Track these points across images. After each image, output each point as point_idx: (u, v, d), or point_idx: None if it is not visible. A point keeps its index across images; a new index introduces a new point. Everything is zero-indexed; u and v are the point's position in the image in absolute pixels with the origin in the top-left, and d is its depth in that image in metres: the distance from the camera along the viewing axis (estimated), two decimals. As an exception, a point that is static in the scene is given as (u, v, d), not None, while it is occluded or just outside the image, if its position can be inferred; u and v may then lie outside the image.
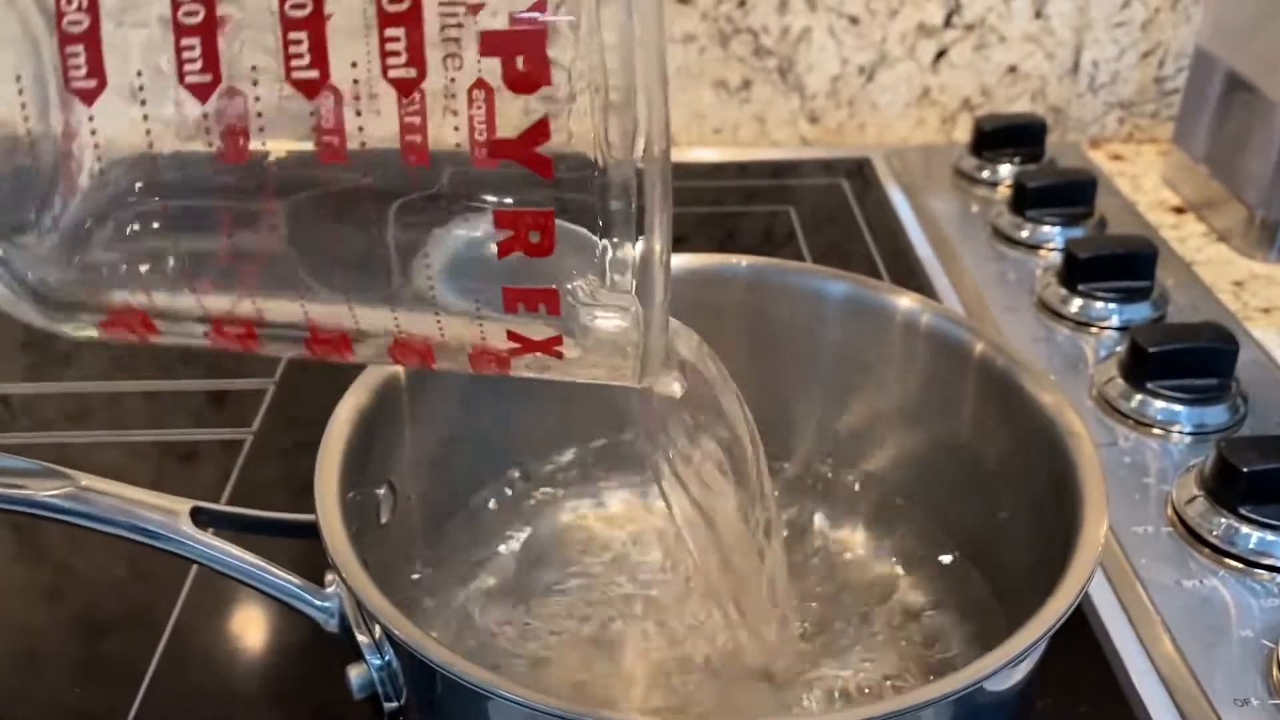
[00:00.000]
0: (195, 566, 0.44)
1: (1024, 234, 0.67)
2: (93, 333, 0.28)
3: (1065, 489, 0.34)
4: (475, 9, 0.24)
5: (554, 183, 0.24)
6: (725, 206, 0.77)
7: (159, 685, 0.40)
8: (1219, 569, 0.44)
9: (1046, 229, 0.66)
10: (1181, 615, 0.42)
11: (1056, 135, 0.83)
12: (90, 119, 0.24)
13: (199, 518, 0.34)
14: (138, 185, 0.25)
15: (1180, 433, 0.51)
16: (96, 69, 0.24)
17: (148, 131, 0.25)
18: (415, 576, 0.41)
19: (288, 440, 0.53)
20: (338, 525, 0.32)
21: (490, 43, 0.23)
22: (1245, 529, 0.44)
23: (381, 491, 0.38)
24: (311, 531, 0.34)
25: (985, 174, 0.74)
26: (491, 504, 0.43)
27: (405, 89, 0.24)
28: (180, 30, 0.24)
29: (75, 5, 0.24)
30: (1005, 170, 0.74)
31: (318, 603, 0.33)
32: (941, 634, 0.39)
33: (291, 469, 0.52)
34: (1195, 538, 0.45)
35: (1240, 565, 0.44)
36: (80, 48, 0.24)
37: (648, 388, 0.30)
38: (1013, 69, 0.82)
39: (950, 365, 0.39)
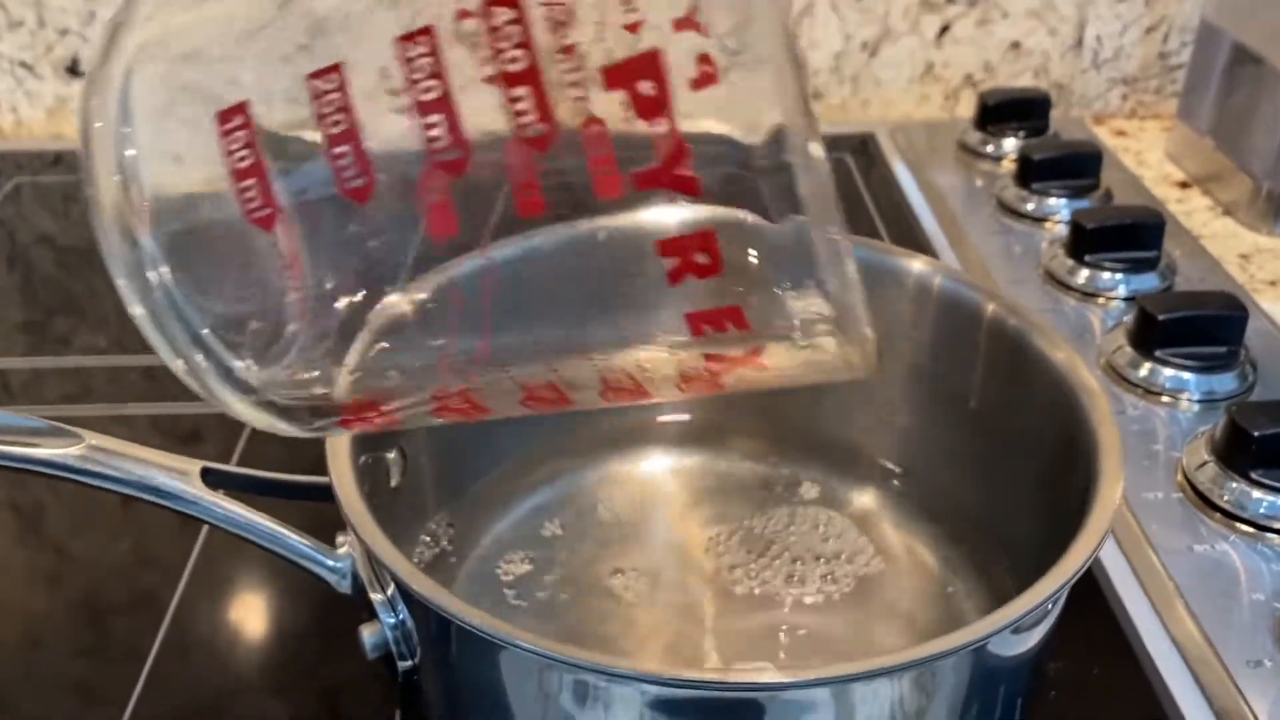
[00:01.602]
0: (197, 547, 0.44)
1: (1029, 207, 0.67)
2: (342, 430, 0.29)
3: (1079, 447, 0.34)
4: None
5: (703, 196, 0.24)
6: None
7: (162, 667, 0.40)
8: (1230, 534, 0.44)
9: (1052, 201, 0.66)
10: (1193, 579, 0.42)
11: (1060, 111, 0.83)
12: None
13: (209, 478, 0.33)
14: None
15: (1189, 400, 0.51)
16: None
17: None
18: (426, 539, 0.40)
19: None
20: (351, 483, 0.31)
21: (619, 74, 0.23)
22: (1256, 493, 0.44)
23: (392, 455, 0.38)
24: (323, 494, 0.34)
25: (989, 148, 0.74)
26: (505, 467, 0.43)
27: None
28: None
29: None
30: (1009, 144, 0.73)
31: (330, 563, 0.33)
32: (950, 595, 0.39)
33: (298, 444, 0.51)
34: (1206, 503, 0.45)
35: (1251, 529, 0.44)
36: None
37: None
38: (1016, 45, 0.82)
39: (961, 326, 0.39)
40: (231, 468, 0.35)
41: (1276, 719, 0.37)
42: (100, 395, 0.55)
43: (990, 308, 0.38)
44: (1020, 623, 0.28)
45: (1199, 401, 0.51)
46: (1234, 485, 0.45)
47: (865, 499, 0.43)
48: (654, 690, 0.28)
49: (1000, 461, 0.39)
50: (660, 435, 0.46)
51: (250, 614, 0.43)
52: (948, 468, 0.42)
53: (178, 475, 0.33)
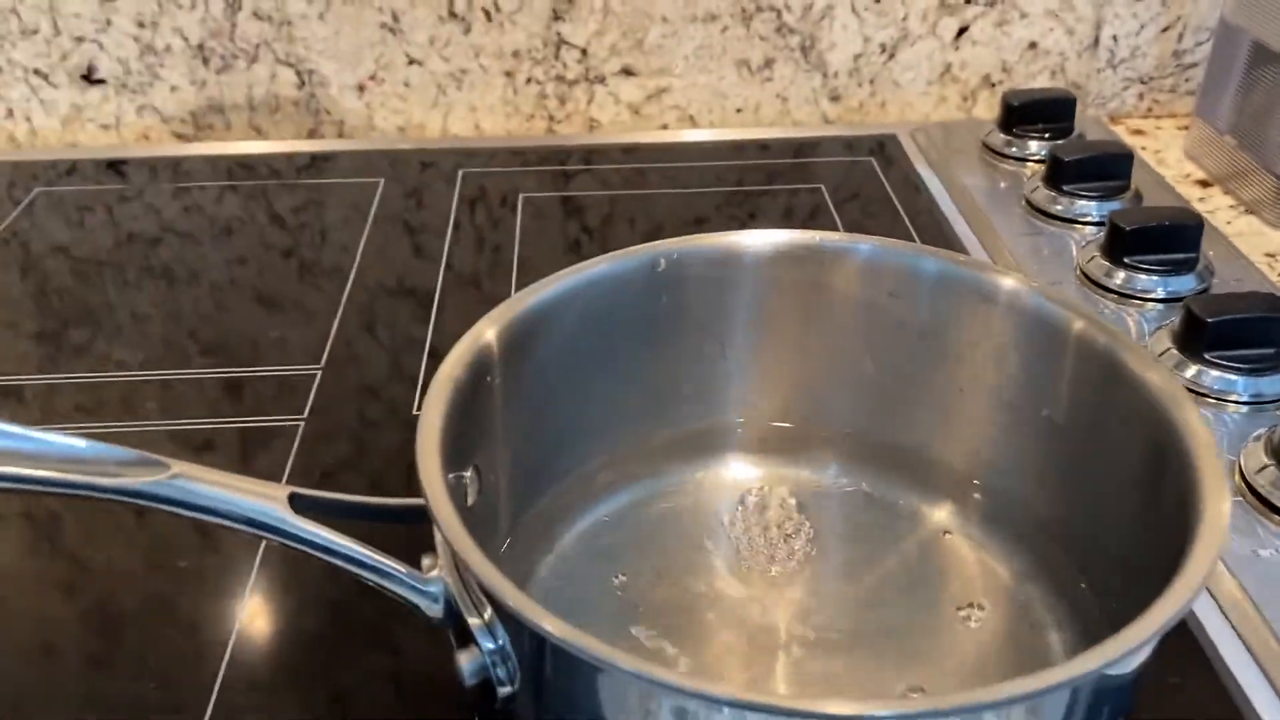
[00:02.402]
0: (253, 574, 0.44)
1: (1059, 208, 0.67)
2: None
3: (1169, 469, 0.34)
4: None
5: None
6: (747, 185, 0.76)
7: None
8: (1296, 537, 0.44)
9: (1083, 203, 0.66)
10: (1262, 584, 0.42)
11: (1078, 111, 0.83)
12: None
13: (296, 503, 0.33)
14: None
15: (1237, 402, 0.51)
16: None
17: None
18: (498, 556, 0.40)
19: (341, 427, 0.53)
20: (448, 505, 0.31)
21: None
22: (1318, 496, 0.44)
23: (469, 474, 0.37)
24: (410, 515, 0.34)
25: (1014, 150, 0.74)
26: (575, 486, 0.43)
27: None
28: None
29: None
30: (1034, 146, 0.74)
31: (422, 588, 0.33)
32: (1033, 616, 0.39)
33: (349, 457, 0.51)
34: (1268, 506, 0.45)
35: (1313, 532, 0.44)
36: None
37: None
38: (1033, 45, 0.82)
39: (1047, 343, 0.39)
40: (317, 492, 0.34)
41: (1358, 724, 0.37)
42: (114, 408, 0.54)
43: (1078, 324, 0.38)
44: (1141, 647, 0.27)
45: (1247, 403, 0.51)
46: (1297, 488, 0.45)
47: (942, 510, 0.43)
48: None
49: (1084, 479, 0.39)
50: (731, 446, 0.45)
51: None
52: (1029, 485, 0.41)
53: (267, 500, 0.32)
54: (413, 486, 0.48)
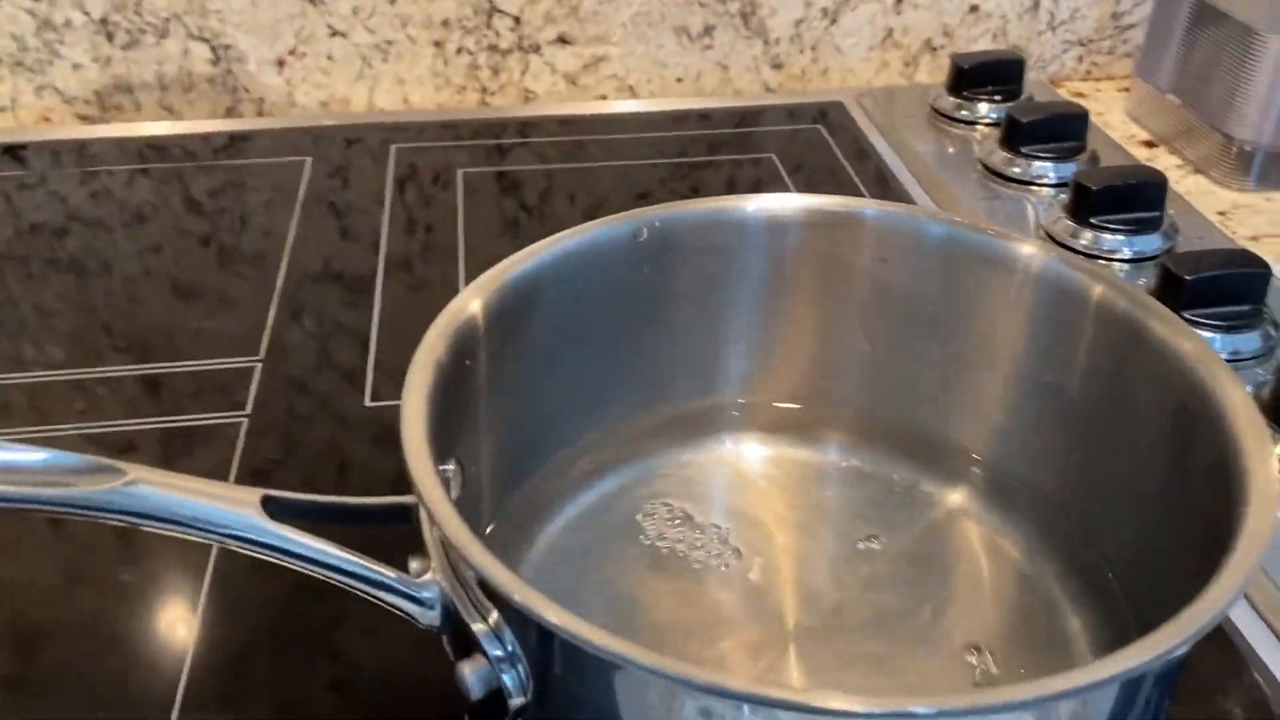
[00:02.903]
0: (207, 579, 0.40)
1: (1016, 170, 0.66)
2: None
3: (1200, 435, 0.32)
4: None
5: None
6: (690, 155, 0.74)
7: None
8: (1288, 493, 0.43)
9: (1040, 164, 0.65)
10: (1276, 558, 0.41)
11: (1019, 74, 0.82)
12: None
13: (270, 508, 0.29)
14: None
15: (1216, 360, 0.50)
16: None
17: None
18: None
19: (287, 422, 0.49)
20: (443, 499, 0.28)
21: None
22: (1309, 451, 0.44)
23: (451, 468, 0.34)
24: (395, 515, 0.31)
25: (964, 113, 0.73)
26: (561, 471, 0.40)
27: None
28: None
29: None
30: (984, 108, 0.72)
31: (414, 594, 0.30)
32: (1047, 595, 0.37)
33: (298, 454, 0.47)
34: (1262, 464, 0.44)
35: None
36: None
37: None
38: (974, 8, 0.81)
39: (1064, 310, 0.37)
40: (292, 494, 0.30)
41: (1379, 681, 0.36)
42: (23, 412, 0.49)
43: (1098, 289, 0.36)
44: (1216, 620, 0.26)
45: (1226, 360, 0.50)
46: (1286, 444, 0.44)
47: (954, 491, 0.41)
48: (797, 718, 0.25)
49: (1101, 453, 0.37)
50: (731, 424, 0.43)
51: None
52: (1041, 459, 0.39)
53: (240, 507, 0.29)
54: (374, 483, 0.46)
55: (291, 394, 0.50)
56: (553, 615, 0.26)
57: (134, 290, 0.59)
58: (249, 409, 0.49)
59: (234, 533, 0.29)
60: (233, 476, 0.45)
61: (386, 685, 0.37)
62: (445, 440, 0.34)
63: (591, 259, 0.38)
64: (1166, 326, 0.34)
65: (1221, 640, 0.39)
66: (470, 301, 0.34)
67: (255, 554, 0.29)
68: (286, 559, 0.29)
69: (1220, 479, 0.31)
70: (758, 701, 0.25)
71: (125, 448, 0.47)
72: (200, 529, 0.28)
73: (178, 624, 0.39)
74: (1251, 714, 0.36)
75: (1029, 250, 0.37)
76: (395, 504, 0.31)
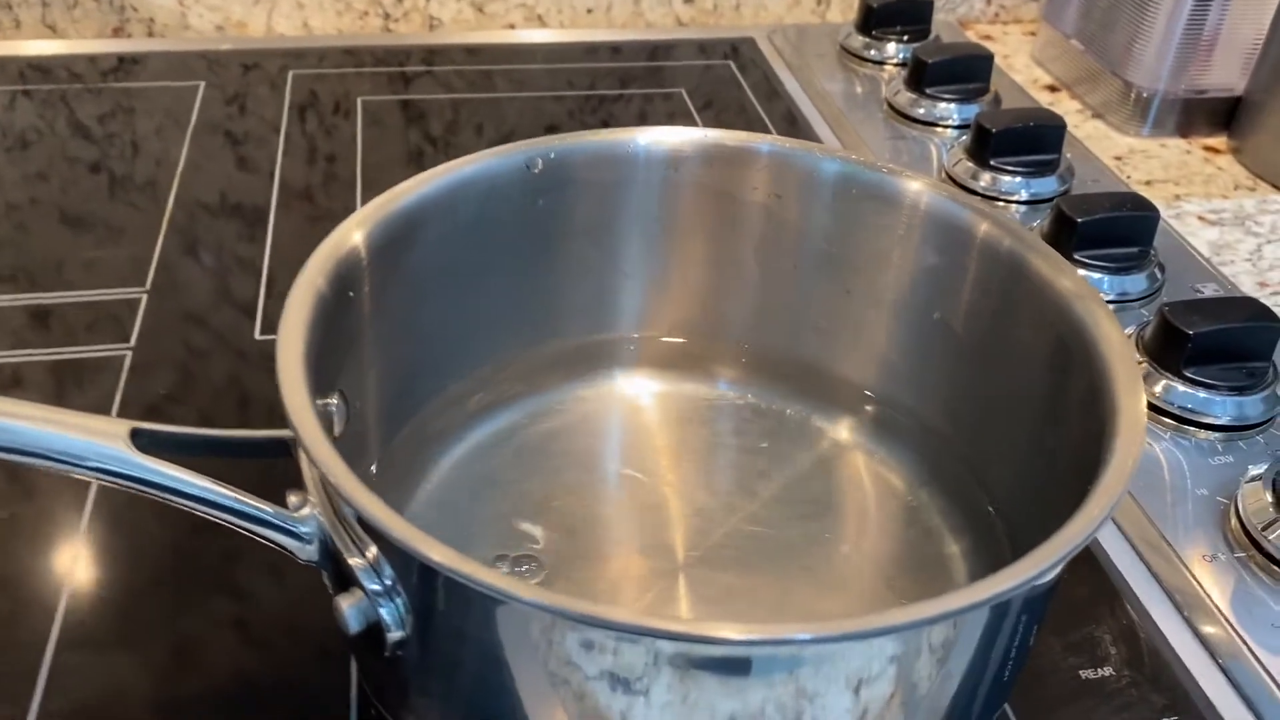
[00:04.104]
0: (86, 517, 0.39)
1: (921, 111, 0.66)
2: None
3: (1077, 371, 0.33)
4: None
5: None
6: (600, 89, 0.73)
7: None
8: (1164, 431, 0.45)
9: (944, 105, 0.66)
10: (1138, 476, 0.42)
11: (928, 15, 0.82)
12: None
13: (139, 440, 0.28)
14: None
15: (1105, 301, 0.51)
16: None
17: None
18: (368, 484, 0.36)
19: (173, 354, 0.47)
20: (317, 431, 0.27)
21: None
22: (1183, 388, 0.45)
23: (334, 401, 0.34)
24: (273, 448, 0.30)
25: (873, 52, 0.73)
26: (450, 407, 0.39)
27: None
28: None
29: None
30: (892, 48, 0.73)
31: (292, 528, 0.29)
32: (931, 526, 0.38)
33: (185, 387, 0.46)
34: (1141, 402, 0.45)
35: (1182, 425, 0.45)
36: None
37: None
38: (886, -54, 0.81)
39: (950, 248, 0.37)
40: (162, 427, 0.30)
41: (1238, 611, 0.38)
42: None
43: (983, 226, 0.36)
44: (1080, 547, 0.26)
45: (1113, 302, 0.52)
46: (1164, 382, 0.45)
47: (840, 423, 0.41)
48: (669, 647, 0.26)
49: (984, 387, 0.38)
50: (623, 359, 0.43)
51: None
52: (927, 394, 0.40)
53: (106, 439, 0.28)
54: (258, 417, 0.45)
55: (179, 326, 0.49)
56: (428, 550, 0.25)
57: (16, 218, 0.56)
58: (133, 341, 0.48)
59: (100, 466, 0.28)
60: (115, 410, 0.44)
61: (281, 622, 0.36)
62: (327, 373, 0.33)
63: (484, 190, 0.37)
64: (1047, 264, 0.35)
65: (1094, 569, 0.40)
66: (352, 233, 0.33)
67: (126, 488, 0.28)
68: (158, 493, 0.28)
69: (1093, 413, 0.31)
70: (633, 631, 0.25)
71: (9, 381, 0.45)
72: (65, 462, 0.27)
73: (56, 561, 0.38)
74: (1120, 640, 0.37)
75: (917, 187, 0.38)
76: (273, 437, 0.30)
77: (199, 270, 0.53)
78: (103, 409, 0.44)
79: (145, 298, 0.50)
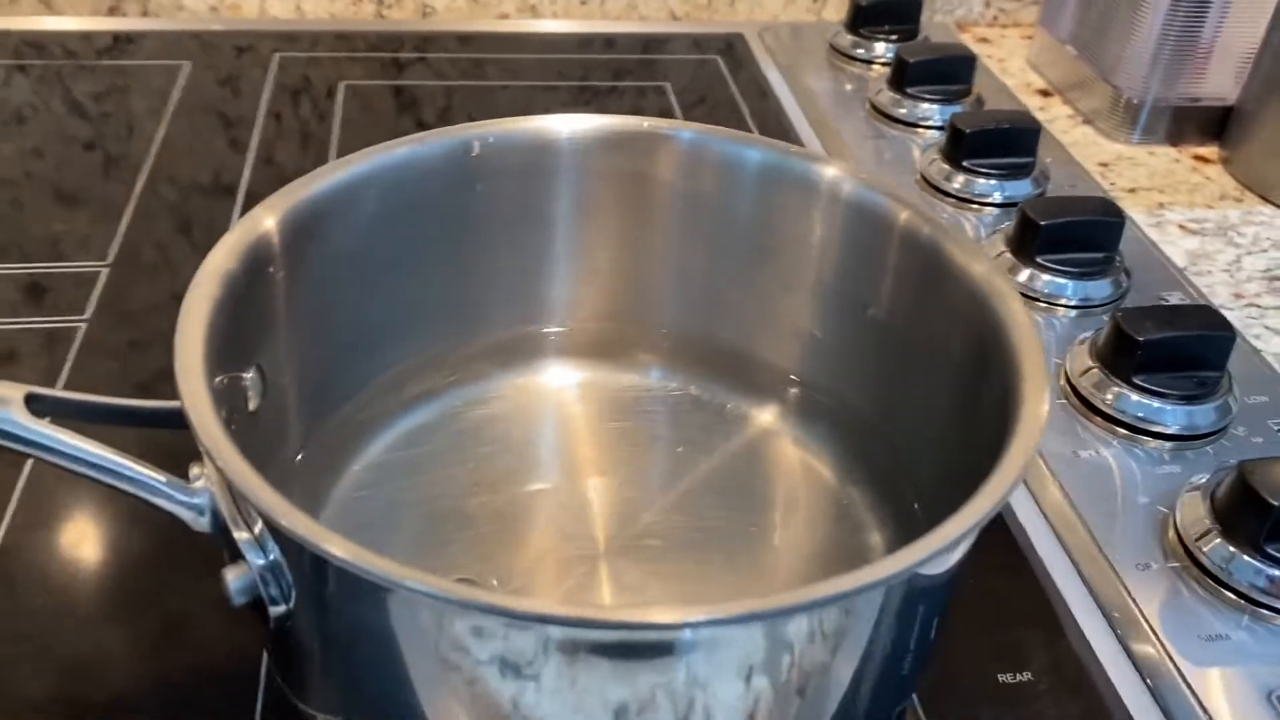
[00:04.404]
0: (23, 476, 0.39)
1: (902, 111, 0.65)
2: None
3: (993, 362, 0.32)
4: None
5: None
6: (593, 80, 0.73)
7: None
8: (1112, 438, 0.44)
9: (926, 106, 0.65)
10: (1080, 485, 0.42)
11: (924, 17, 0.81)
12: None
13: (35, 405, 0.29)
14: None
15: (1066, 306, 0.51)
16: None
17: None
18: (289, 464, 0.37)
19: (128, 329, 0.48)
20: (207, 407, 0.27)
21: None
22: (1137, 397, 0.44)
23: (250, 375, 0.34)
24: (172, 420, 0.30)
25: (861, 51, 0.72)
26: (376, 385, 0.39)
27: None
28: None
29: None
30: (880, 48, 0.72)
31: (185, 499, 0.29)
32: (856, 518, 0.38)
33: (136, 361, 0.46)
34: (1089, 408, 0.45)
35: (1132, 434, 0.44)
36: None
37: None
38: (884, -55, 0.80)
39: (871, 234, 0.37)
40: (61, 393, 0.30)
41: (1166, 621, 0.37)
42: None
43: (904, 215, 0.36)
44: (956, 543, 0.26)
45: (1076, 307, 0.51)
46: (1116, 390, 0.45)
47: (766, 411, 0.41)
48: (557, 632, 0.26)
49: (906, 373, 0.38)
50: (550, 348, 0.43)
51: (85, 544, 0.39)
52: (851, 380, 0.40)
53: (-3, 403, 0.28)
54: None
55: (136, 301, 0.49)
56: (301, 528, 0.25)
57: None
58: (88, 315, 0.48)
59: (-9, 429, 0.28)
60: (63, 381, 0.44)
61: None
62: (242, 347, 0.33)
63: (414, 175, 0.37)
64: (962, 251, 0.34)
65: (1026, 573, 0.40)
66: (264, 219, 0.33)
67: (18, 452, 0.29)
68: (51, 458, 0.29)
69: (1004, 411, 0.31)
70: (513, 616, 0.25)
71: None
72: (-45, 425, 0.28)
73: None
74: (1044, 646, 0.37)
75: (838, 175, 0.37)
76: (171, 408, 0.31)
77: (167, 246, 0.53)
78: (51, 379, 0.45)
79: (106, 271, 0.51)
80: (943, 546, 0.26)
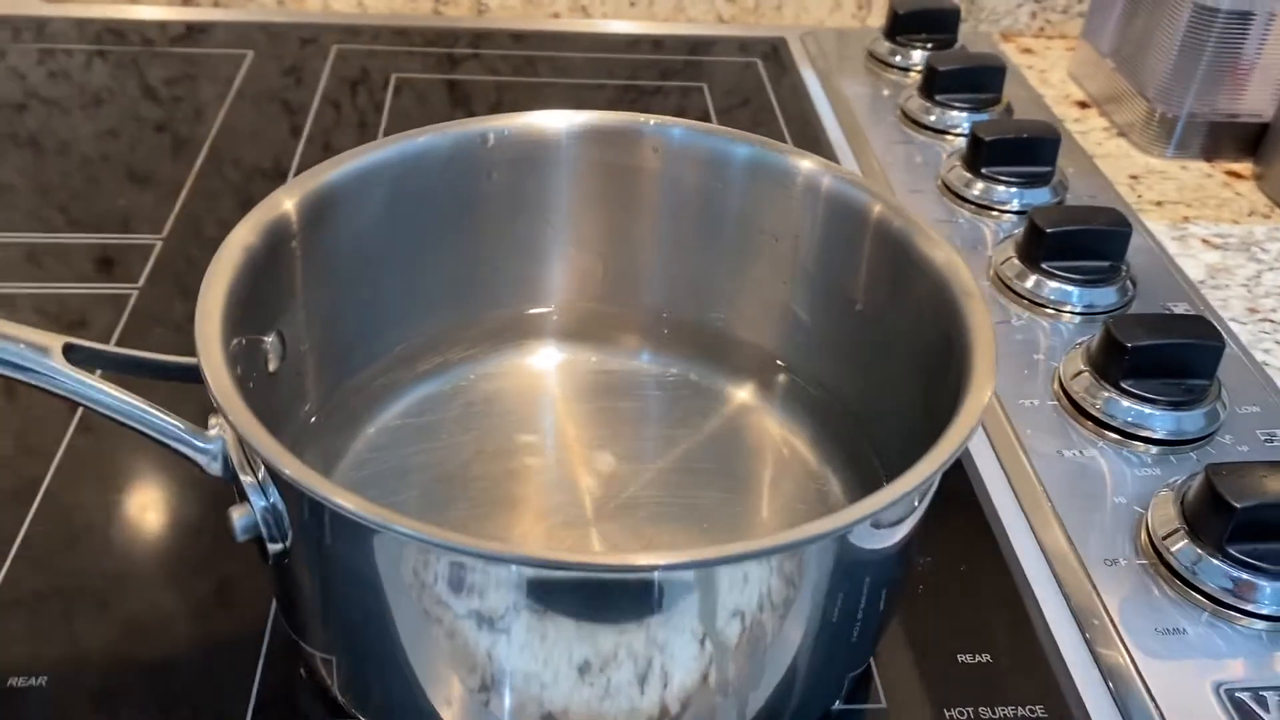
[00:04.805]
0: (70, 430, 0.43)
1: (931, 118, 0.67)
2: None
3: (955, 347, 0.34)
4: None
5: None
6: (640, 80, 0.75)
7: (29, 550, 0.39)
8: (1099, 440, 0.45)
9: (954, 114, 0.66)
10: (1060, 482, 0.44)
11: (969, 27, 0.83)
12: None
13: (73, 355, 0.32)
14: None
15: (1071, 312, 0.52)
16: None
17: None
18: (306, 424, 0.40)
19: (176, 296, 0.52)
20: (220, 362, 0.30)
21: None
22: (1125, 402, 0.46)
23: (270, 339, 0.37)
24: (194, 374, 0.33)
25: (898, 59, 0.74)
26: (389, 358, 0.43)
27: None
28: None
29: None
30: (917, 55, 0.73)
31: (200, 444, 0.33)
32: (826, 489, 0.40)
33: (182, 325, 0.50)
34: (1079, 410, 0.46)
35: (1119, 437, 0.45)
36: None
37: None
38: (931, -45, 0.81)
39: (848, 226, 0.39)
40: (99, 345, 0.33)
41: (1126, 613, 0.39)
42: None
43: (877, 209, 0.38)
44: (883, 515, 0.28)
45: (1080, 314, 0.52)
46: (1105, 394, 0.46)
47: (747, 392, 0.44)
48: (529, 573, 0.28)
49: (881, 360, 0.40)
50: (549, 329, 0.45)
51: (128, 497, 0.42)
52: (830, 365, 0.42)
53: (37, 349, 0.31)
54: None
55: (185, 272, 0.53)
56: (294, 470, 0.28)
57: (62, 164, 0.61)
58: (141, 283, 0.52)
59: (28, 369, 0.31)
60: (113, 342, 0.48)
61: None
62: (263, 313, 0.36)
63: (429, 164, 0.40)
64: (928, 242, 0.36)
65: (998, 565, 0.41)
66: (284, 201, 0.37)
67: (55, 395, 0.32)
68: (83, 401, 0.32)
69: (958, 390, 0.33)
70: (491, 559, 0.28)
71: (27, 310, 0.50)
72: (2, 368, 0.31)
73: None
74: (1006, 630, 0.39)
75: (816, 170, 0.40)
76: (193, 362, 0.34)
77: (217, 222, 0.57)
78: (104, 340, 0.48)
79: (160, 244, 0.55)
80: (851, 523, 0.28)
